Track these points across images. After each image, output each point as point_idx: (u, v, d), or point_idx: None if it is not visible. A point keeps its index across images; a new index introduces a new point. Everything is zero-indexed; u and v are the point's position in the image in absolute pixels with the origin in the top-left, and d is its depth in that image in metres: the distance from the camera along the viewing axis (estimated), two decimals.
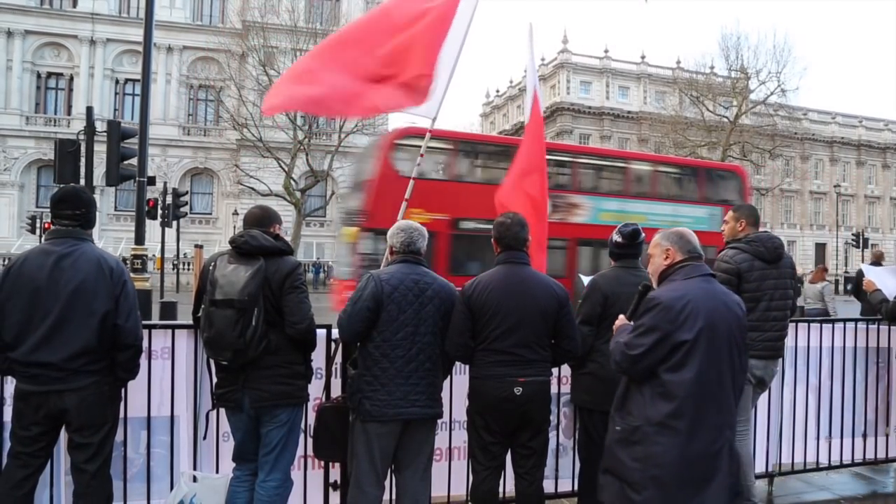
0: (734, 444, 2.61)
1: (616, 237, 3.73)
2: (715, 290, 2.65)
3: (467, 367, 3.80)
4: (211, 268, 3.10)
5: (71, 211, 3.00)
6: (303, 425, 3.53)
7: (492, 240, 3.45)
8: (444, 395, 3.81)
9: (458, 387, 3.82)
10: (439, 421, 3.84)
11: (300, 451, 3.58)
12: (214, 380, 3.21)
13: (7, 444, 3.14)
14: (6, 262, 28.68)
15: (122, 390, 3.15)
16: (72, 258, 2.89)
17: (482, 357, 3.27)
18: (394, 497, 3.44)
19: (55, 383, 2.82)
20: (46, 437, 2.92)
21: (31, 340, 2.81)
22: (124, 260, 8.95)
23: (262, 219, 3.27)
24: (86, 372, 2.87)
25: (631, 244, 3.72)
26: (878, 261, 11.38)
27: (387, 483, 3.30)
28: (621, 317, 2.94)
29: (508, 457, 3.43)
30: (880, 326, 5.06)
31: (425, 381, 3.17)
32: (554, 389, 4.09)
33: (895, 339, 5.09)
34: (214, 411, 3.39)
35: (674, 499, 2.47)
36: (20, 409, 2.87)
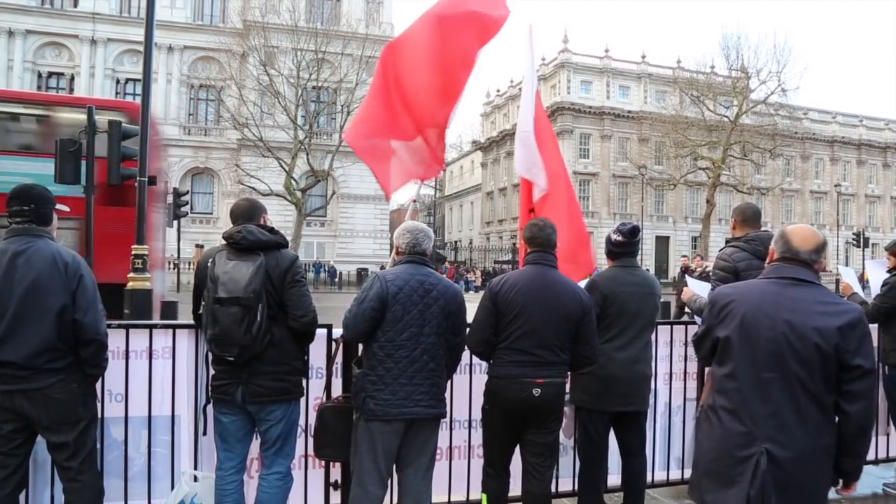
0: (788, 464, 2.32)
1: (615, 236, 3.74)
2: (781, 294, 2.43)
3: (468, 367, 3.83)
4: (209, 264, 3.10)
5: (19, 207, 2.96)
6: (303, 424, 3.54)
7: (522, 240, 3.53)
8: (446, 394, 3.83)
9: (458, 387, 3.82)
10: (441, 420, 3.86)
11: (301, 451, 3.59)
12: (212, 372, 3.21)
13: None
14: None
15: (97, 386, 3.10)
16: (26, 255, 2.86)
17: (502, 356, 3.28)
18: (395, 497, 3.45)
19: (18, 382, 2.79)
20: (21, 435, 2.88)
21: None
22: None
23: (251, 211, 3.26)
24: (49, 370, 2.83)
25: (630, 242, 3.73)
26: (685, 271, 11.21)
27: (389, 483, 3.30)
28: None
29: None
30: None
31: (429, 381, 3.18)
32: None
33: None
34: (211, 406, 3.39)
35: (702, 486, 2.52)
36: None
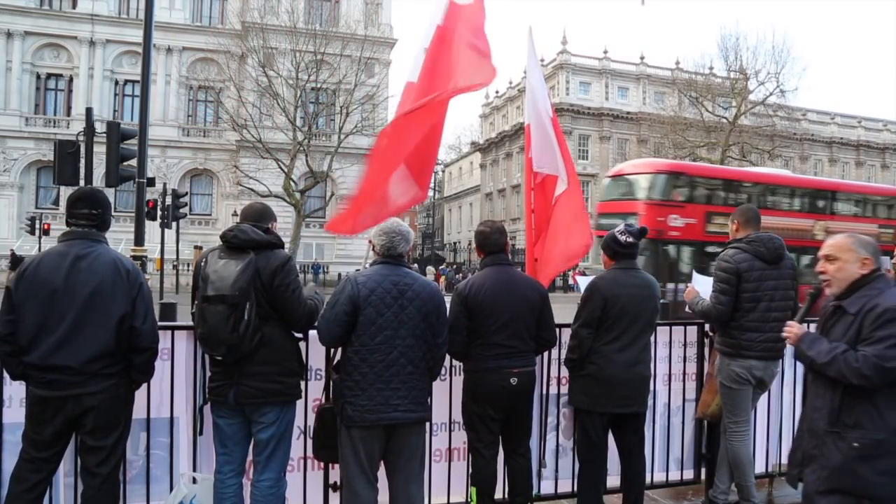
0: None
1: (623, 237, 3.72)
2: None
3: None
4: (202, 264, 3.10)
5: (88, 210, 2.96)
6: (303, 426, 3.53)
7: (475, 246, 3.76)
8: (444, 396, 3.83)
9: (457, 388, 3.81)
10: (440, 422, 3.85)
11: (300, 452, 3.58)
12: (209, 374, 3.20)
13: (6, 445, 3.14)
14: (8, 262, 28.68)
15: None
16: (88, 260, 2.85)
17: (480, 351, 3.49)
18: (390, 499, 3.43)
19: (73, 387, 2.78)
20: (60, 442, 2.89)
21: (48, 344, 2.77)
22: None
23: (259, 214, 3.27)
24: (104, 375, 2.84)
25: (637, 243, 3.73)
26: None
27: (384, 484, 3.29)
28: (792, 323, 2.88)
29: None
30: None
31: (407, 385, 3.11)
32: (553, 390, 4.11)
33: None
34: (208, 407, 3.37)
35: None
36: (35, 413, 2.83)
